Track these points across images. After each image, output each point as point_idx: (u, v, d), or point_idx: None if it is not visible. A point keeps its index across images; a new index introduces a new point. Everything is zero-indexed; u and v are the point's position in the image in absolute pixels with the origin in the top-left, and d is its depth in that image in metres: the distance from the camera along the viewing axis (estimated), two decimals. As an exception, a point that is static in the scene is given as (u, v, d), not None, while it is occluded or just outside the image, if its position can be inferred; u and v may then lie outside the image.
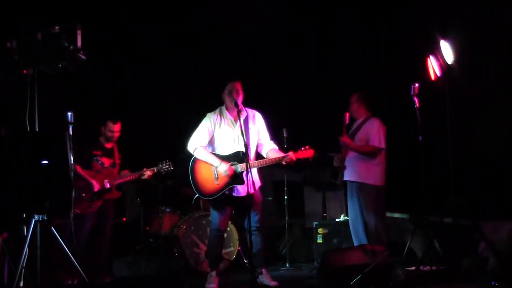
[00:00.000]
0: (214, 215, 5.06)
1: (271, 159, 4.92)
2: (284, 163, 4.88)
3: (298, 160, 4.85)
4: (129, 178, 5.81)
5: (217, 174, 4.93)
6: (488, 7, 5.91)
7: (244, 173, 4.67)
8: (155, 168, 5.87)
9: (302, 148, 4.87)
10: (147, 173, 5.82)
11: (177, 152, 5.78)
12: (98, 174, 5.72)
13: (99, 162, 5.78)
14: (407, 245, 5.28)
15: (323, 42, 7.18)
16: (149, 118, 7.19)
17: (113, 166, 5.83)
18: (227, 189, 4.92)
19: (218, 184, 4.91)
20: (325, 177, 6.51)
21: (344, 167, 5.62)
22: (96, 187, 5.62)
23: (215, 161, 4.92)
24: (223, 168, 4.87)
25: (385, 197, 5.53)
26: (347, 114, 5.63)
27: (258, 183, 5.06)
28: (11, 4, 5.77)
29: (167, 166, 5.90)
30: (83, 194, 5.60)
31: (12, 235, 4.48)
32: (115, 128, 5.80)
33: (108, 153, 5.86)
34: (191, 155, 5.05)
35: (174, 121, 6.95)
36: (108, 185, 5.69)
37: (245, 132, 4.96)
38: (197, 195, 5.18)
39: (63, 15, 4.48)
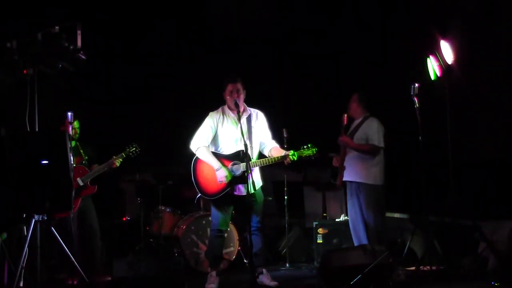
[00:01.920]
0: (215, 215, 5.05)
1: (274, 157, 4.91)
2: (286, 162, 4.88)
3: (300, 158, 4.85)
4: (100, 170, 5.77)
5: None
6: (488, 7, 5.91)
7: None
8: (123, 154, 5.86)
9: (304, 146, 4.87)
10: (117, 160, 5.81)
11: (178, 152, 5.77)
12: None
13: None
14: (407, 245, 5.28)
15: (323, 42, 7.18)
16: (149, 118, 7.18)
17: (81, 163, 5.82)
18: (229, 188, 4.91)
19: (221, 183, 4.91)
20: (325, 177, 6.51)
21: (343, 168, 5.62)
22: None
23: (216, 164, 4.91)
24: (220, 174, 4.87)
25: (385, 197, 5.54)
26: (345, 116, 5.65)
27: (259, 183, 5.06)
28: (11, 4, 5.77)
29: (133, 149, 5.88)
30: None
31: (12, 235, 4.48)
32: (75, 125, 5.79)
33: (74, 152, 5.85)
34: (192, 156, 5.04)
35: (174, 121, 6.94)
36: (81, 183, 5.69)
37: (248, 131, 4.98)
38: (199, 194, 5.16)
39: (63, 15, 4.48)
